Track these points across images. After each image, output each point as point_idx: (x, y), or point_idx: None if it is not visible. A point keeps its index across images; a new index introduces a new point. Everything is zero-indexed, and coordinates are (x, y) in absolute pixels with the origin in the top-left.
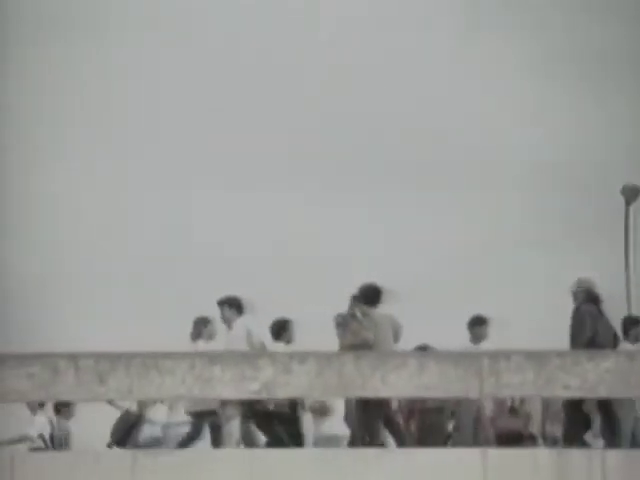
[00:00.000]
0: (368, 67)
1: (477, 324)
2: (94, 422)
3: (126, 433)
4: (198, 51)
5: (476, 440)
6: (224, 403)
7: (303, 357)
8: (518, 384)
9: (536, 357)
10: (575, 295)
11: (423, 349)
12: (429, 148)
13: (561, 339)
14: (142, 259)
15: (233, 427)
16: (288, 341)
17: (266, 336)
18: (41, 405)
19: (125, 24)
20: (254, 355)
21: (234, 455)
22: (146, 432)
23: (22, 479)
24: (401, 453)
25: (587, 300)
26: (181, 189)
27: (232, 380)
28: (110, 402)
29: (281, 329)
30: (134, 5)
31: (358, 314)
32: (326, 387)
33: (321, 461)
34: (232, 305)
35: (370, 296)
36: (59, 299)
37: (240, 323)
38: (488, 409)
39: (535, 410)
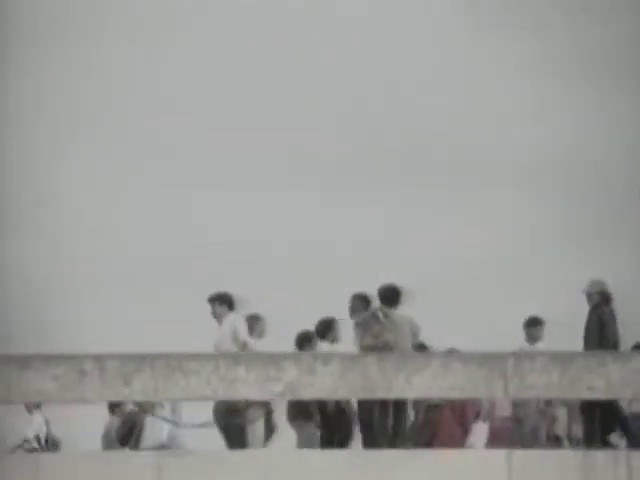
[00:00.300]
0: (368, 67)
1: (533, 325)
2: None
3: (128, 433)
4: (198, 51)
5: (536, 443)
6: (248, 404)
7: (327, 358)
8: (543, 385)
9: (561, 358)
10: (589, 296)
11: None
12: (429, 148)
13: (561, 338)
14: (142, 259)
15: (257, 428)
16: (333, 340)
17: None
18: (38, 405)
19: (125, 24)
20: (278, 356)
21: (258, 456)
22: (148, 440)
23: None
24: (427, 454)
25: (601, 301)
26: (181, 189)
27: (256, 381)
28: (135, 404)
29: (327, 328)
30: (134, 5)
31: (380, 315)
32: (350, 388)
33: (343, 462)
34: (223, 301)
35: (389, 297)
36: (59, 299)
37: (228, 320)
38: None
39: (560, 411)
